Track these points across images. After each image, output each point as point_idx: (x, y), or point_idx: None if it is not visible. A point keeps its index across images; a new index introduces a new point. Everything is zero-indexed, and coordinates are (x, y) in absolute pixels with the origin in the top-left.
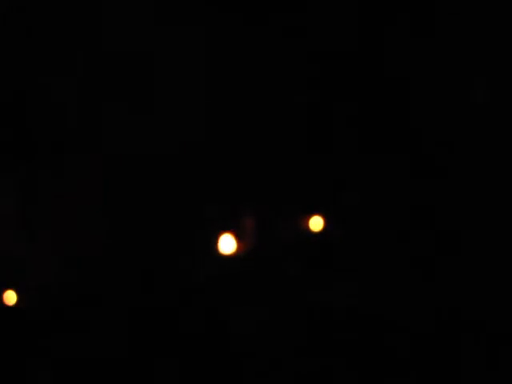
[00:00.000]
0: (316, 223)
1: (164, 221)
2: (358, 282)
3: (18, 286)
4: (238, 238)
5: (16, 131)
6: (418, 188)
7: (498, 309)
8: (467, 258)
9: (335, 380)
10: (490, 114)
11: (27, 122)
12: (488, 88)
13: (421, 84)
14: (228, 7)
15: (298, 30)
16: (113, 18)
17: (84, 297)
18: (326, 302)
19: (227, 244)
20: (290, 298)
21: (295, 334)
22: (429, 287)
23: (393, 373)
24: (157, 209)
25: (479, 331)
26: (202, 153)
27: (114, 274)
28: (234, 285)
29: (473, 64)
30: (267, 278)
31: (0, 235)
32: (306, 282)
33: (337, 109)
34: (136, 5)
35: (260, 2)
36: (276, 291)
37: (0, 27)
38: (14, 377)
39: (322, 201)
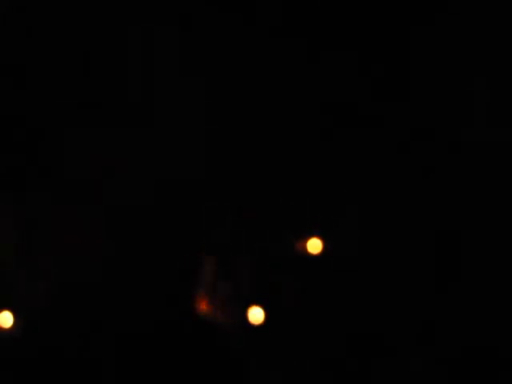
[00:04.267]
0: (314, 246)
1: (164, 245)
2: (360, 307)
3: (15, 307)
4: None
5: (14, 144)
6: (419, 208)
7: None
8: (471, 280)
9: None
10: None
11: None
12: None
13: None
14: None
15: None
16: (112, 22)
17: (82, 321)
18: (324, 328)
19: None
20: (288, 324)
21: (292, 361)
22: (433, 311)
23: None
24: (157, 233)
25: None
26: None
27: (112, 297)
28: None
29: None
30: (263, 303)
31: None
32: (304, 308)
33: (333, 126)
34: (135, 8)
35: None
36: (272, 318)
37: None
38: None
39: (320, 222)
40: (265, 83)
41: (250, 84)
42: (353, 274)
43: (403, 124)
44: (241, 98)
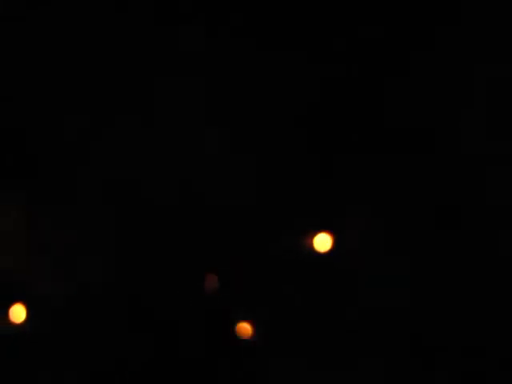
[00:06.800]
0: (322, 242)
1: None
2: (370, 309)
3: (27, 300)
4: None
5: (17, 151)
6: (433, 202)
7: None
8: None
9: None
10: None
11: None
12: None
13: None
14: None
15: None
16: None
17: (93, 319)
18: (331, 334)
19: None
20: (292, 327)
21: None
22: (447, 314)
23: None
24: (164, 232)
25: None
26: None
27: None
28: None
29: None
30: (266, 304)
31: (6, 250)
32: (310, 310)
33: (342, 123)
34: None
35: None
36: (275, 318)
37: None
38: None
39: (329, 216)
40: (269, 86)
41: (255, 87)
42: (362, 271)
43: (414, 135)
44: (247, 97)
